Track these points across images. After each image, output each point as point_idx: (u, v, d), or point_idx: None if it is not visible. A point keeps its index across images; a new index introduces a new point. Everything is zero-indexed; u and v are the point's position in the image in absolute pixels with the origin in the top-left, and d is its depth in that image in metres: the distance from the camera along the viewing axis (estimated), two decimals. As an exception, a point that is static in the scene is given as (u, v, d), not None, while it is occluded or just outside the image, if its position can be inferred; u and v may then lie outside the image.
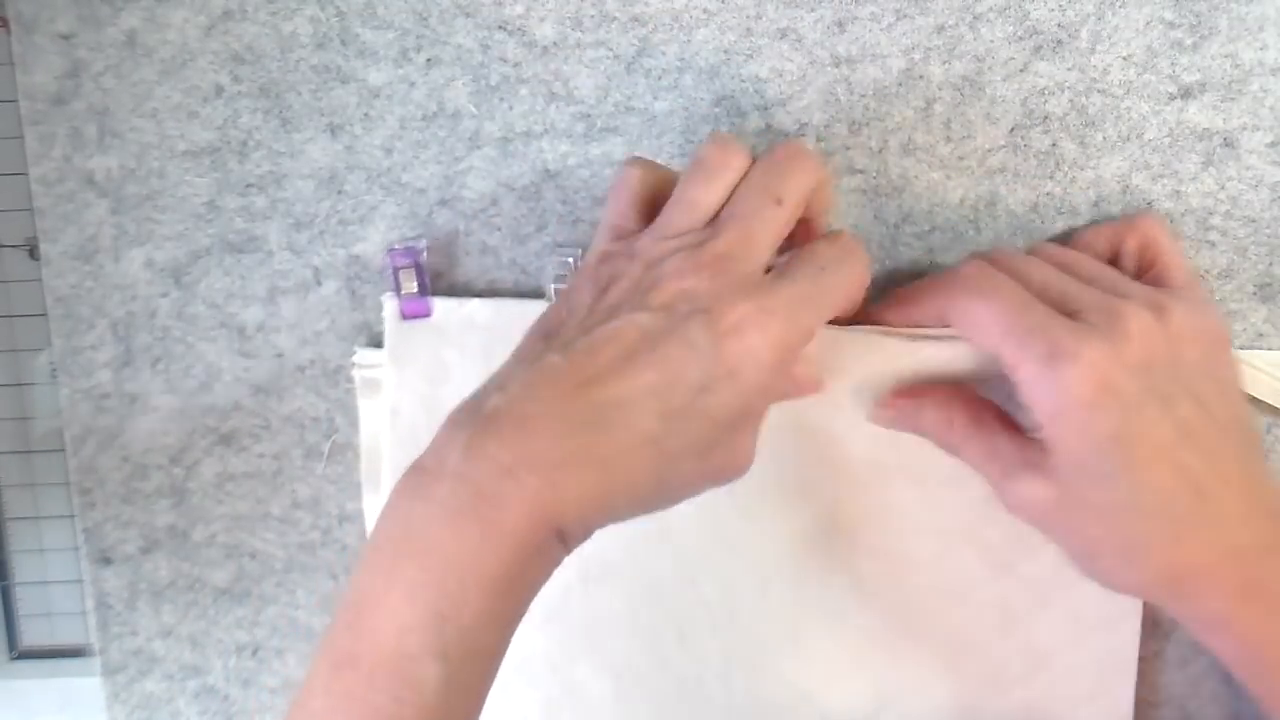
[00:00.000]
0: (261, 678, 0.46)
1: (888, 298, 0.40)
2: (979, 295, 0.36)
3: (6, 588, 0.48)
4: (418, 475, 0.32)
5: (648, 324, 0.32)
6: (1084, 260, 0.38)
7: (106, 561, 0.45)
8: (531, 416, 0.31)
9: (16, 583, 0.48)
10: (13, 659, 0.48)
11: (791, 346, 0.33)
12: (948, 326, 0.38)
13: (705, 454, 0.33)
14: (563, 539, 0.32)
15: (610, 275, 0.35)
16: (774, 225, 0.35)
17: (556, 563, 0.33)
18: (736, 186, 0.36)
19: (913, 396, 0.39)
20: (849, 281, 0.36)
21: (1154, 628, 0.42)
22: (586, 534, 0.33)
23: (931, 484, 0.41)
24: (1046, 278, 0.37)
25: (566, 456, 0.31)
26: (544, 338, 0.35)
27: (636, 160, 0.37)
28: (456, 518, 0.31)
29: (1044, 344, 0.34)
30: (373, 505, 0.44)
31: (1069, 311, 0.35)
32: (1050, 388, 0.34)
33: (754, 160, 0.36)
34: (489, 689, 0.32)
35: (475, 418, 0.32)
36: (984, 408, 0.39)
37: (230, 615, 0.45)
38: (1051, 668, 0.42)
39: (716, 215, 0.35)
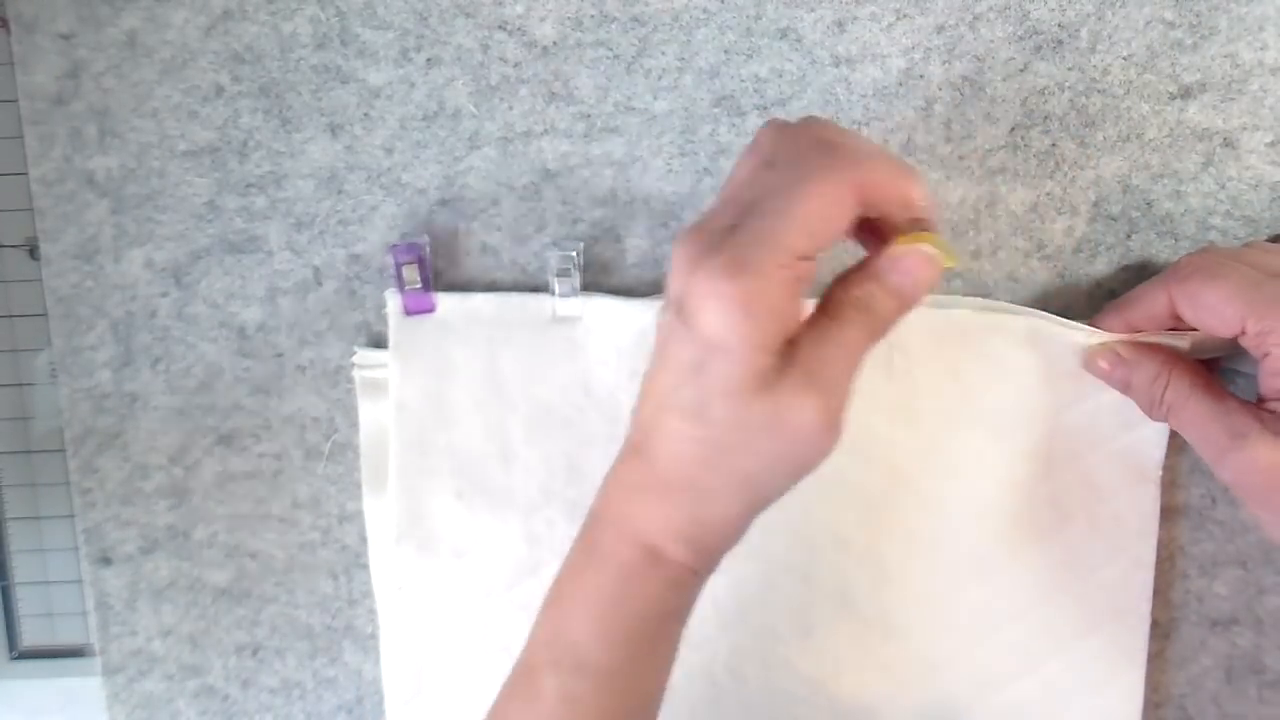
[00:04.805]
0: (261, 678, 0.46)
1: (1104, 309, 0.40)
2: (1210, 278, 0.36)
3: (6, 588, 0.48)
4: None
5: (663, 326, 0.32)
6: None
7: (106, 561, 0.45)
8: (624, 447, 0.34)
9: (16, 583, 0.48)
10: (13, 659, 0.48)
11: (761, 294, 0.30)
12: (1171, 329, 0.38)
13: (756, 432, 0.31)
14: (659, 559, 0.33)
15: None
16: (753, 188, 0.31)
17: (671, 584, 0.33)
18: None
19: (1129, 352, 0.39)
20: (807, 194, 0.30)
21: (1154, 627, 0.42)
22: (694, 551, 0.33)
23: (938, 473, 0.41)
24: (1270, 260, 0.37)
25: (637, 478, 0.33)
26: None
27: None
28: (579, 542, 0.34)
29: None
30: (373, 505, 0.44)
31: None
32: None
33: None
34: (624, 711, 0.34)
35: None
36: (1205, 371, 0.39)
37: (230, 615, 0.45)
38: (1062, 656, 0.42)
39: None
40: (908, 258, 0.32)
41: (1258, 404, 0.37)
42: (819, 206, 0.30)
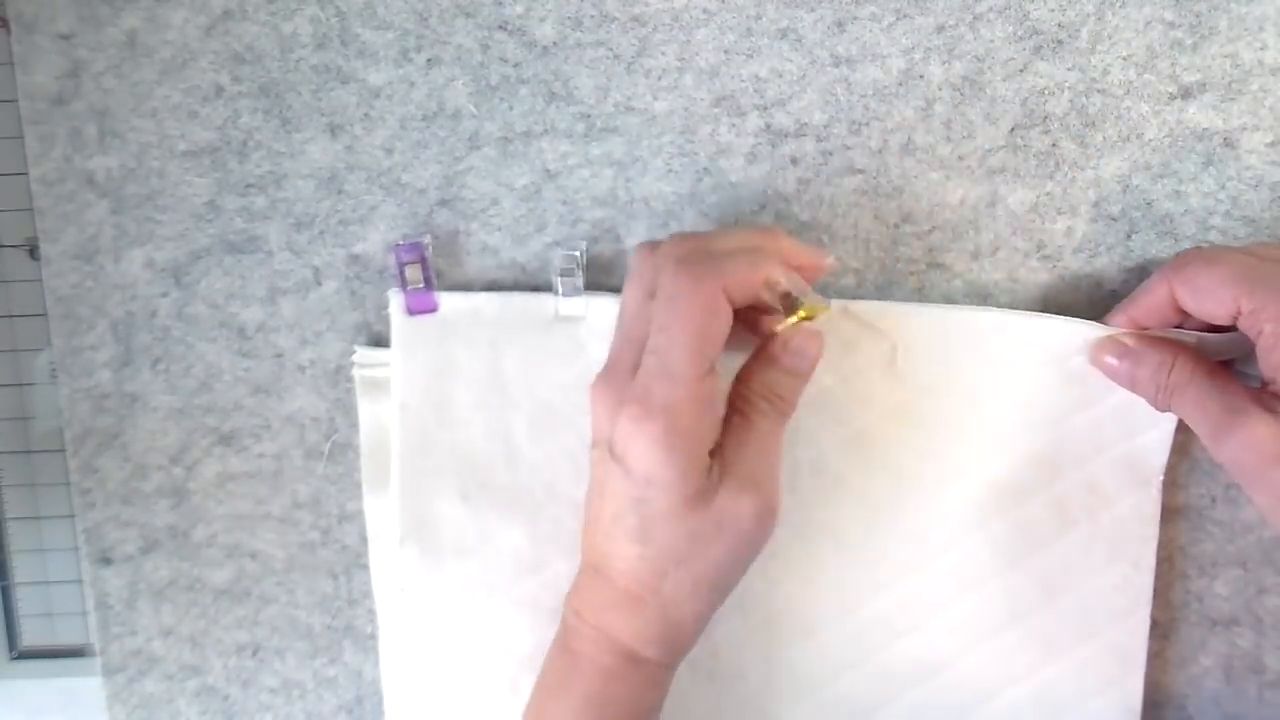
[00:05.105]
0: (261, 678, 0.46)
1: (1110, 312, 0.40)
2: (1207, 263, 0.37)
3: (6, 588, 0.48)
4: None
5: (596, 460, 0.36)
6: None
7: (106, 561, 0.45)
8: (583, 568, 0.37)
9: (16, 583, 0.48)
10: (13, 659, 0.48)
11: (679, 426, 0.34)
12: (1173, 326, 0.39)
13: (703, 540, 0.35)
14: (638, 662, 0.36)
15: None
16: (642, 322, 0.35)
17: (649, 682, 0.37)
18: None
19: (1135, 341, 0.39)
20: (687, 317, 0.34)
21: (1154, 628, 0.42)
22: (667, 649, 0.37)
23: (940, 476, 0.41)
24: (1269, 251, 0.37)
25: (603, 596, 0.36)
26: None
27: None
28: (558, 652, 0.38)
29: None
30: (373, 505, 0.44)
31: None
32: None
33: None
34: None
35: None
36: (1210, 360, 0.39)
37: (230, 615, 0.45)
38: (1061, 660, 0.42)
39: None
40: (794, 338, 0.36)
41: (1261, 388, 0.37)
42: (700, 325, 0.34)
